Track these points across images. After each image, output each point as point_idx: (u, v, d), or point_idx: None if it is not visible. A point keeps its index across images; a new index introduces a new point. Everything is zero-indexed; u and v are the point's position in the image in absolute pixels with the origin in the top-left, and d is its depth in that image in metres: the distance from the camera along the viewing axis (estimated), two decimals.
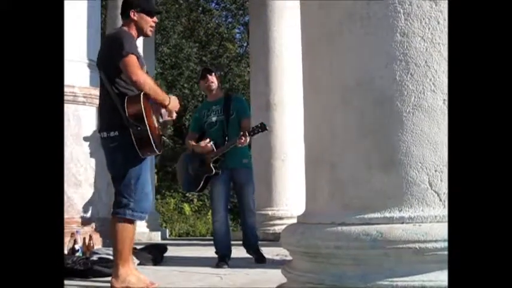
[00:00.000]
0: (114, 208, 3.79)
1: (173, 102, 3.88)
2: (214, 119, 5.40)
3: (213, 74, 5.48)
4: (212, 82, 5.47)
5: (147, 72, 3.88)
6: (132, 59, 3.64)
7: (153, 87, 3.76)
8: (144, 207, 3.81)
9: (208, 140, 5.29)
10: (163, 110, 3.89)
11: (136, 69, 3.64)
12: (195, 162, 5.34)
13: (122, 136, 3.68)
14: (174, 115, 3.94)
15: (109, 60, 3.76)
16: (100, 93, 3.92)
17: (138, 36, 3.94)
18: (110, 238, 3.83)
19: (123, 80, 3.72)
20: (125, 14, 3.93)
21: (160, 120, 3.90)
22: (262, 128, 5.24)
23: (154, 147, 3.67)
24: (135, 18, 3.88)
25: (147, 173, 3.86)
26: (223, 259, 5.25)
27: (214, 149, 5.25)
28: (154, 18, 3.95)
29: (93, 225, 6.13)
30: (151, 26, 3.93)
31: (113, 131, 3.71)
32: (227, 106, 5.40)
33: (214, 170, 5.25)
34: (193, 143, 5.37)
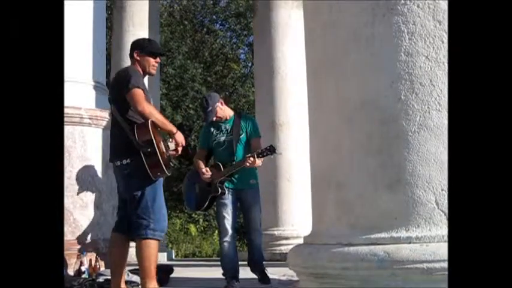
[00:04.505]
0: (135, 231, 3.94)
1: (179, 136, 4.14)
2: (222, 138, 5.28)
3: (213, 104, 5.20)
4: (217, 110, 5.23)
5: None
6: (137, 91, 3.93)
7: (159, 117, 4.05)
8: (163, 227, 4.03)
9: (210, 173, 5.19)
10: (170, 144, 4.16)
11: (142, 100, 3.93)
12: (202, 182, 5.25)
13: (134, 162, 3.92)
14: (180, 149, 4.18)
15: (118, 93, 4.05)
16: (111, 125, 4.20)
17: (143, 75, 4.22)
18: (137, 259, 4.00)
19: (132, 110, 4.00)
20: (131, 55, 4.26)
21: (170, 146, 4.15)
22: (272, 150, 5.08)
23: (163, 167, 3.92)
24: (138, 58, 4.20)
25: (161, 195, 4.08)
26: (232, 279, 5.17)
27: (222, 169, 5.17)
28: (157, 59, 4.27)
29: (100, 247, 6.11)
30: (153, 66, 4.24)
31: (125, 158, 3.97)
32: (237, 125, 5.27)
33: (220, 190, 5.16)
34: (201, 167, 5.23)
